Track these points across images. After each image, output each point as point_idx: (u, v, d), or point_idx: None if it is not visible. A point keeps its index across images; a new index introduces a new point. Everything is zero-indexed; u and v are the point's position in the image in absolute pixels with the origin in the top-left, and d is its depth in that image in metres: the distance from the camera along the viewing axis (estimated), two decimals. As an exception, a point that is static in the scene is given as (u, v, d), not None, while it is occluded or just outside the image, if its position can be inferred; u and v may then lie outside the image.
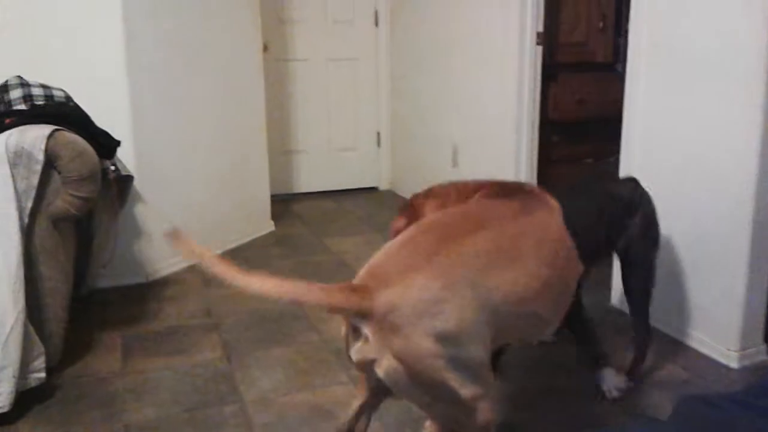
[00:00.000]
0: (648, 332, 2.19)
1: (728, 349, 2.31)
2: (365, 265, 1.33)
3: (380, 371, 1.22)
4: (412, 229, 1.42)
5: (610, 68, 3.71)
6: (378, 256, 1.35)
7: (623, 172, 2.69)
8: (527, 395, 2.13)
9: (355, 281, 1.29)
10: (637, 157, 2.64)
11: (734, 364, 2.28)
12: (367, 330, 1.21)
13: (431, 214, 1.61)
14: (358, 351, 1.24)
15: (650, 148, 2.58)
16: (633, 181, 2.16)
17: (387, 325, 1.19)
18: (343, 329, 1.29)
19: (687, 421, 0.74)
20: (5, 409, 1.93)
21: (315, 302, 1.23)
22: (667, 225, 2.50)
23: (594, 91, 3.66)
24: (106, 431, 1.94)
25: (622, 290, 2.23)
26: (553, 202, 1.63)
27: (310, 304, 1.27)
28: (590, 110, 3.67)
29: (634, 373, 2.16)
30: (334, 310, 1.29)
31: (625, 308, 2.73)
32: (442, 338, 1.20)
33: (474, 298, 1.26)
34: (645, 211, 2.11)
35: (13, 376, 1.96)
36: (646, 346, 2.19)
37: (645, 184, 2.17)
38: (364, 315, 1.20)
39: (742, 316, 2.27)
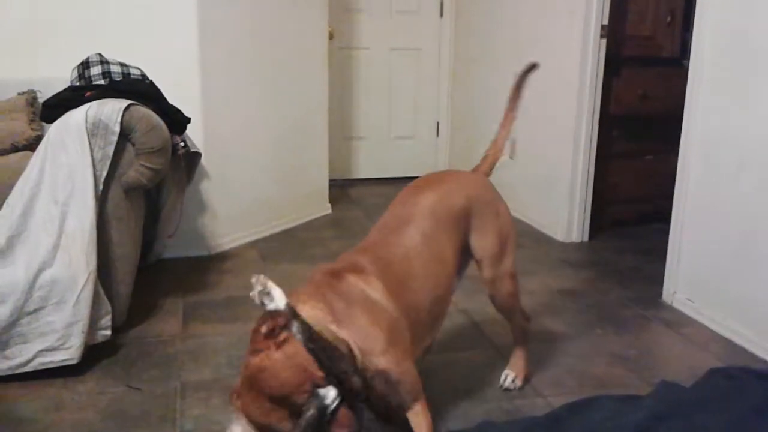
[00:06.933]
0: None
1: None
2: None
3: None
4: None
5: (677, 63, 3.64)
6: None
7: (681, 170, 2.67)
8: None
9: None
10: (695, 155, 2.61)
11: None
12: None
13: None
14: None
15: (709, 146, 2.55)
16: None
17: None
18: None
19: (703, 390, 0.78)
20: (75, 361, 2.08)
21: None
22: (722, 222, 2.47)
23: (658, 86, 3.60)
24: (164, 388, 2.06)
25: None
26: None
27: None
28: (653, 106, 3.61)
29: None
30: None
31: (676, 303, 2.71)
32: None
33: None
34: None
35: (82, 331, 2.10)
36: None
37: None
38: None
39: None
